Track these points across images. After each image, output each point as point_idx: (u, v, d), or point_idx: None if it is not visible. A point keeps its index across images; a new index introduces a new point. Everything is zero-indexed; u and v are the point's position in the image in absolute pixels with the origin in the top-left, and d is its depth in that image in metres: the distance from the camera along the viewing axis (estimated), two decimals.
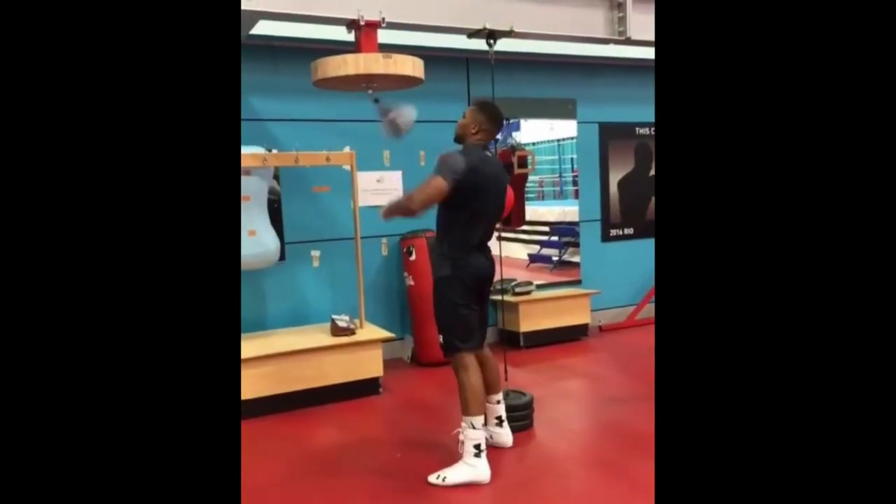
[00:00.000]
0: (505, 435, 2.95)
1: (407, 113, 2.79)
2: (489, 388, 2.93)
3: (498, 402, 2.95)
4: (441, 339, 2.72)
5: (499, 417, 2.94)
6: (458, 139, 2.78)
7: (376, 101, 2.94)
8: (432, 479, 2.60)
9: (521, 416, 3.13)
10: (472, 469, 2.60)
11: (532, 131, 5.24)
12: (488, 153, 2.79)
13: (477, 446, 2.61)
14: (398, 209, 2.66)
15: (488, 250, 2.80)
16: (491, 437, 2.92)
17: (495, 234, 3.64)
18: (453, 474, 2.59)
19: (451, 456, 2.75)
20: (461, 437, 2.66)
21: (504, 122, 2.84)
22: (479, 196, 2.66)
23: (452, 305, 2.67)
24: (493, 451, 2.90)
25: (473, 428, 2.62)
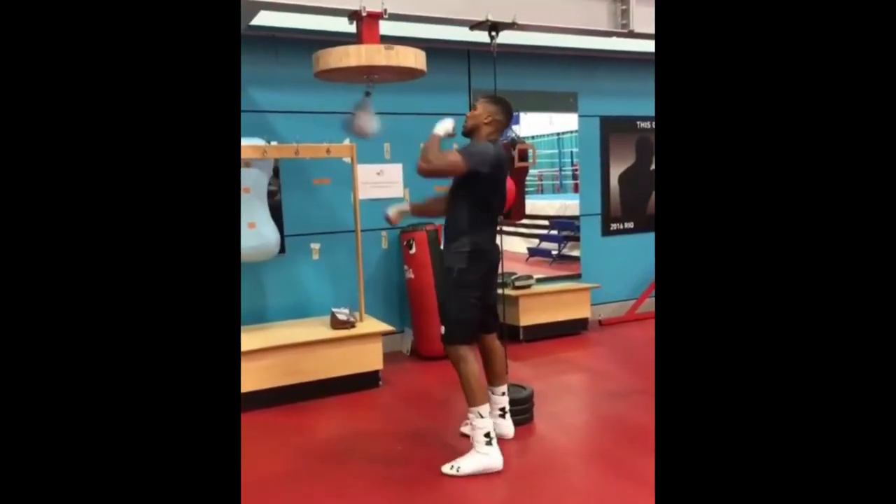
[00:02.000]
0: (506, 426, 2.96)
1: (373, 124, 2.87)
2: (495, 380, 2.94)
3: (503, 393, 2.96)
4: (443, 330, 2.74)
5: (502, 409, 2.96)
6: (469, 132, 2.79)
7: (367, 94, 2.94)
8: (446, 469, 2.62)
9: (521, 410, 3.13)
10: (484, 457, 2.62)
11: (531, 125, 5.22)
12: (500, 145, 2.84)
13: (487, 434, 2.63)
14: (426, 149, 2.62)
15: (496, 238, 2.86)
16: (493, 427, 2.93)
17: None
18: (466, 464, 2.61)
19: (452, 448, 2.75)
20: (469, 428, 2.67)
21: (513, 115, 2.88)
22: (496, 192, 2.74)
23: (465, 299, 2.69)
24: (498, 441, 2.90)
25: (481, 417, 2.64)
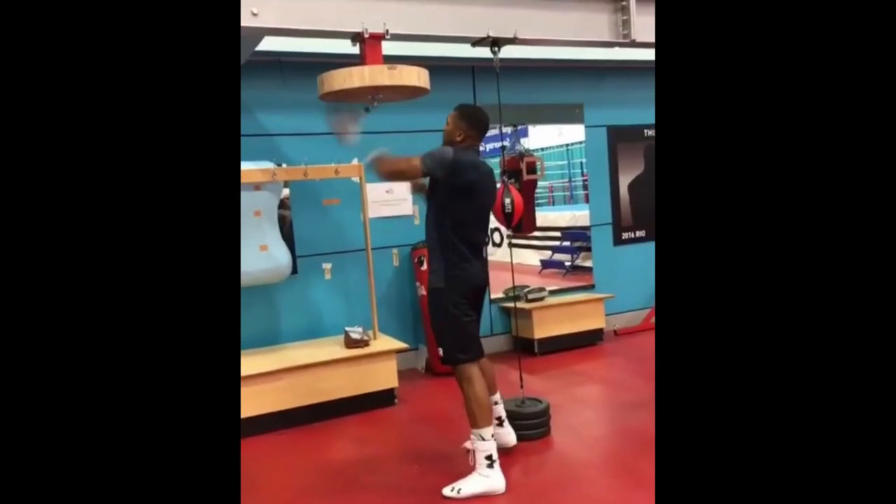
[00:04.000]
0: (507, 435, 2.93)
1: (352, 135, 2.89)
2: (488, 389, 2.91)
3: (496, 402, 2.92)
4: (441, 352, 2.71)
5: (498, 418, 2.92)
6: (445, 145, 2.77)
7: (367, 109, 2.96)
8: (447, 491, 2.58)
9: (538, 424, 3.11)
10: (486, 479, 2.57)
11: (541, 137, 5.23)
12: (476, 155, 2.76)
13: (489, 457, 2.58)
14: (375, 162, 2.65)
15: (483, 258, 2.76)
16: (493, 436, 2.89)
17: (506, 241, 3.62)
18: (468, 486, 2.57)
19: (468, 468, 2.72)
20: (472, 448, 2.64)
21: (489, 125, 2.78)
22: (470, 199, 2.64)
23: (450, 317, 2.64)
24: (512, 458, 2.88)
25: (483, 440, 2.60)
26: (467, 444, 2.92)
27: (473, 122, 2.73)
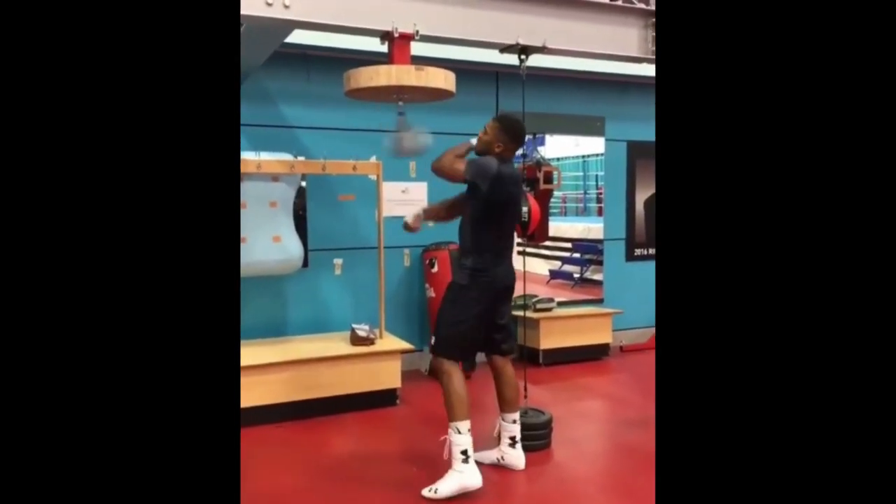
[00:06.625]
0: (516, 457, 2.88)
1: (422, 139, 2.89)
2: (506, 407, 2.89)
3: (514, 421, 2.90)
4: (432, 340, 2.74)
5: (512, 438, 2.89)
6: (480, 153, 2.80)
7: (401, 113, 2.98)
8: (426, 492, 2.59)
9: (539, 436, 3.09)
10: (460, 475, 2.57)
11: (557, 146, 5.22)
12: (512, 166, 2.83)
13: (464, 452, 2.59)
14: (447, 150, 2.76)
15: (509, 260, 2.81)
16: (502, 457, 2.88)
17: (517, 248, 3.61)
18: (444, 485, 2.58)
19: None
20: (448, 443, 2.63)
21: (525, 137, 2.86)
22: (504, 210, 2.72)
23: (457, 315, 2.67)
24: (510, 470, 2.86)
25: (459, 433, 2.60)
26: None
27: (513, 135, 2.77)
